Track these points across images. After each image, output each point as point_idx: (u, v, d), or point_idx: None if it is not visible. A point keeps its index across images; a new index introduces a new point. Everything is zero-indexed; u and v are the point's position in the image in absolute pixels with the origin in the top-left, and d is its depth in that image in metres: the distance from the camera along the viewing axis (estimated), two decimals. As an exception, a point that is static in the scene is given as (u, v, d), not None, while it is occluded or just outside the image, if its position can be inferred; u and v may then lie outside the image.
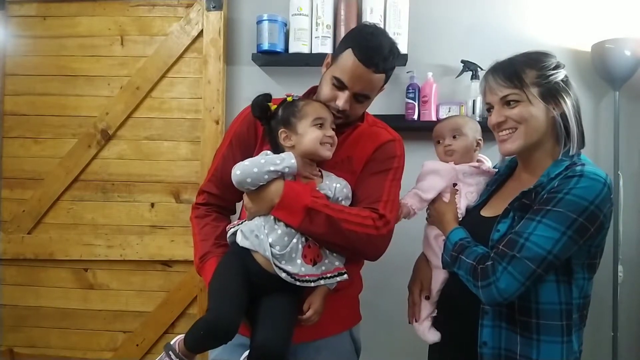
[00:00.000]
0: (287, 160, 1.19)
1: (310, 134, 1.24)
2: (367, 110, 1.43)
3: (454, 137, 1.41)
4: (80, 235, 2.31)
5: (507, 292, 1.07)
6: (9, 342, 2.34)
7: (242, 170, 1.19)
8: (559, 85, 1.17)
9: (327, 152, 1.25)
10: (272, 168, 1.18)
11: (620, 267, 2.06)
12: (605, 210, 1.09)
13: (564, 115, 1.16)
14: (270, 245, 1.17)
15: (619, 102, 2.07)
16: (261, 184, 1.20)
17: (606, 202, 1.08)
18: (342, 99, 1.27)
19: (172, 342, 1.20)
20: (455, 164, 1.38)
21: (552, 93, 1.16)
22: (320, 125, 1.24)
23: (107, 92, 2.30)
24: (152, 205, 2.31)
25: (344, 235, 1.19)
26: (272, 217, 1.20)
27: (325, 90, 1.31)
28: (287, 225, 1.19)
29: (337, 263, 1.24)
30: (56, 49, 2.32)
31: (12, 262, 2.33)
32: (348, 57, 1.26)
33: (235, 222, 1.31)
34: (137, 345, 2.28)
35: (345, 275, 1.24)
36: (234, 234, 1.27)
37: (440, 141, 1.43)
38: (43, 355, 2.32)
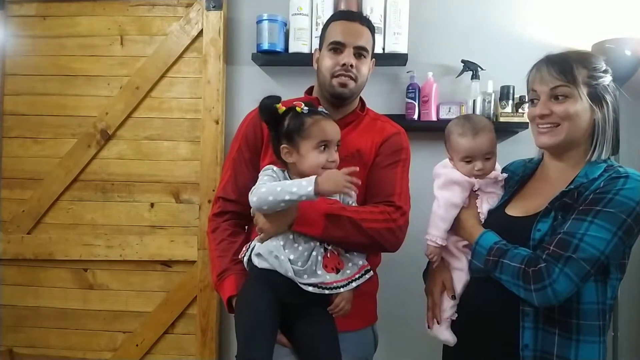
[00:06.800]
0: (304, 189, 1.11)
1: (313, 159, 1.19)
2: (368, 107, 1.48)
3: (487, 159, 1.32)
4: (79, 236, 2.30)
5: (563, 294, 1.05)
6: (9, 342, 2.34)
7: (259, 198, 1.14)
8: (605, 89, 1.18)
9: None
10: (287, 197, 1.11)
11: (620, 267, 2.05)
12: None
13: (603, 119, 1.17)
14: (291, 262, 1.14)
15: (619, 102, 2.06)
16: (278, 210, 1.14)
17: None
18: (345, 56, 1.35)
19: None
20: None
21: (598, 95, 1.17)
22: (325, 147, 1.19)
23: (107, 92, 2.30)
24: (152, 205, 2.30)
25: (366, 233, 1.22)
26: (291, 235, 1.17)
27: (327, 62, 1.36)
28: (307, 240, 1.18)
29: (360, 262, 1.24)
30: (56, 48, 2.32)
31: (11, 262, 2.32)
32: (333, 26, 1.39)
33: (245, 248, 1.27)
34: (137, 345, 2.28)
35: (371, 272, 1.26)
36: (250, 258, 1.22)
37: (471, 162, 1.31)
38: (43, 355, 2.32)
